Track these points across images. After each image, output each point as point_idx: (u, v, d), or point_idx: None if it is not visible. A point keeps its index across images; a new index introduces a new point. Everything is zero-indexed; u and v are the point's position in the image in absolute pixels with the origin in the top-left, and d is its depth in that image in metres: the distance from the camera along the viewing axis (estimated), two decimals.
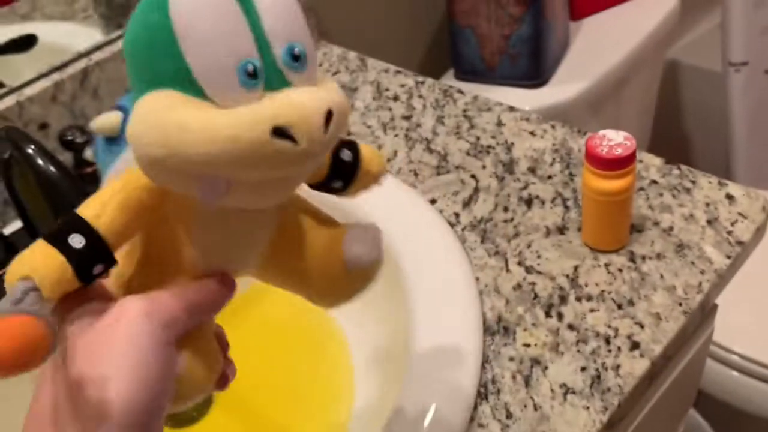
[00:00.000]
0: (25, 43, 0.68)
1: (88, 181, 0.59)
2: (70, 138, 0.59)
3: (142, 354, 0.26)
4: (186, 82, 0.25)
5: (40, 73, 0.68)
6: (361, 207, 0.61)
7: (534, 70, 1.01)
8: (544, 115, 1.07)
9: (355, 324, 0.63)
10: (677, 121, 1.61)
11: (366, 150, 0.35)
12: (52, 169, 0.48)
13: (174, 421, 0.57)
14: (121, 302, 0.27)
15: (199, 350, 0.29)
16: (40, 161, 0.48)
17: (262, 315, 0.67)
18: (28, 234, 0.59)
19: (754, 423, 1.11)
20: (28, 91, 0.66)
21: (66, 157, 0.56)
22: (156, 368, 0.26)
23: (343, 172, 0.34)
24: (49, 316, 0.25)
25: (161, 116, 0.25)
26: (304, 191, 0.34)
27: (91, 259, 0.27)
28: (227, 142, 0.24)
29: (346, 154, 0.34)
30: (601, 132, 0.50)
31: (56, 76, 0.68)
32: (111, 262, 0.27)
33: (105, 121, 0.34)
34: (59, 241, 0.26)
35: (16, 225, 0.64)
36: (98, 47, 0.70)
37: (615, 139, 0.50)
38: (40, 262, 0.26)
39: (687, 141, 1.63)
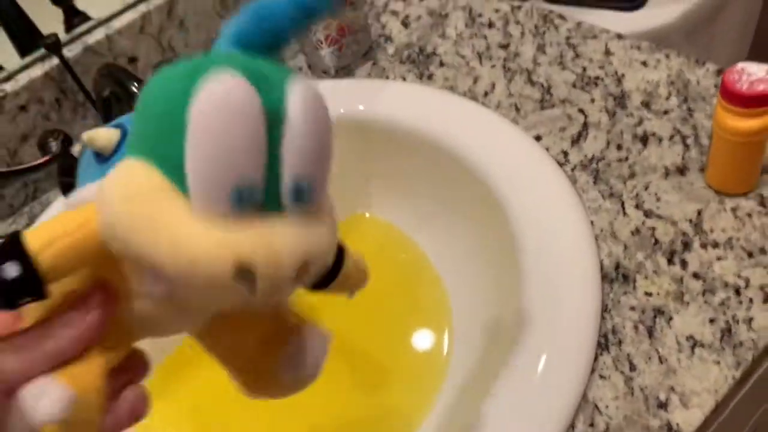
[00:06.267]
0: None
1: None
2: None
3: None
4: (178, 173, 0.23)
5: (126, 4, 0.66)
6: (458, 146, 0.59)
7: None
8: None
9: (455, 272, 0.61)
10: None
11: (350, 264, 0.33)
12: None
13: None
14: None
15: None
16: None
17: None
18: None
19: None
20: (116, 24, 0.65)
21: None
22: None
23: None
24: None
25: (142, 203, 0.23)
26: None
27: (21, 291, 0.23)
28: (187, 266, 0.22)
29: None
30: (740, 65, 0.46)
31: (142, 8, 0.66)
32: (41, 297, 0.24)
33: (101, 135, 0.30)
34: None
35: None
36: None
37: (756, 74, 0.45)
38: None
39: None
